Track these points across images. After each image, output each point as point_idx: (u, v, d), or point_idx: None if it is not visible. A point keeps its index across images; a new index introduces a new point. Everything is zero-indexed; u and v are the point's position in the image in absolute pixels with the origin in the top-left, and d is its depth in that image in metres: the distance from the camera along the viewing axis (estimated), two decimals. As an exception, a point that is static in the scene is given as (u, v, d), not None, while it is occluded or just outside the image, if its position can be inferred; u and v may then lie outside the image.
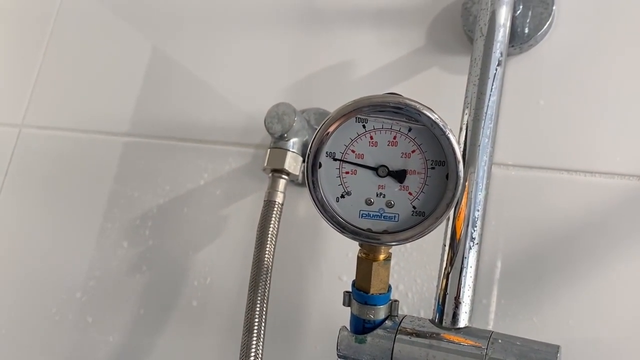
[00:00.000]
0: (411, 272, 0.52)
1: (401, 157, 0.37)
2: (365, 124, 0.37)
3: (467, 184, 0.43)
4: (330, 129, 0.37)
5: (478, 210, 0.42)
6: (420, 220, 0.37)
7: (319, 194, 0.38)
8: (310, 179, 0.38)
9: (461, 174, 0.36)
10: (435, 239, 0.45)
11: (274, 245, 0.50)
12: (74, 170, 0.71)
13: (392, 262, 0.53)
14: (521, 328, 0.48)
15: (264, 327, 0.46)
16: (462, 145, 0.44)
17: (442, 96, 0.56)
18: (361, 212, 0.38)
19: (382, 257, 0.40)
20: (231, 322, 0.58)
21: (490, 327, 0.49)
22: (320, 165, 0.38)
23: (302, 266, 0.57)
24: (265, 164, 0.53)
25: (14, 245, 0.71)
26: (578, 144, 0.50)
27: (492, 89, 0.44)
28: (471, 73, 0.45)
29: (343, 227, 0.38)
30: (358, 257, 0.41)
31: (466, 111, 0.44)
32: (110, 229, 0.67)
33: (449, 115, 0.47)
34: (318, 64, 0.63)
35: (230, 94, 0.66)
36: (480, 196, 0.43)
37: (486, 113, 0.44)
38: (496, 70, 0.44)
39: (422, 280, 0.52)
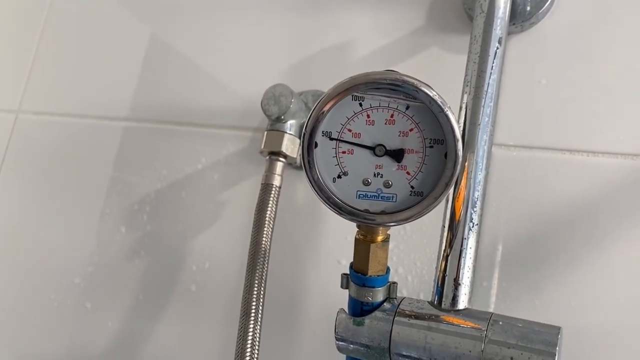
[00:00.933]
0: (411, 255, 0.52)
1: (399, 135, 0.36)
2: (362, 102, 0.36)
3: (466, 164, 0.42)
4: (326, 107, 0.36)
5: (478, 191, 0.42)
6: (419, 200, 0.37)
7: (315, 174, 0.37)
8: (306, 158, 0.37)
9: (460, 152, 0.35)
10: (435, 221, 0.45)
11: (272, 228, 0.49)
12: (71, 156, 0.71)
13: (392, 245, 0.53)
14: (522, 310, 0.48)
15: (262, 310, 0.46)
16: (461, 125, 0.43)
17: (442, 76, 0.54)
18: (358, 193, 0.37)
19: (380, 238, 0.39)
20: (230, 306, 0.57)
21: (491, 310, 0.49)
22: (316, 145, 0.37)
23: (300, 250, 0.56)
24: (262, 147, 0.52)
25: (11, 232, 0.71)
26: (580, 123, 0.50)
27: (492, 67, 0.43)
28: (471, 51, 0.44)
29: (340, 208, 0.37)
30: (356, 238, 0.40)
31: (466, 90, 0.44)
32: (109, 214, 0.66)
33: (450, 96, 0.46)
34: (316, 46, 0.62)
35: (228, 77, 0.65)
36: (480, 176, 0.42)
37: (486, 91, 0.43)
38: (497, 48, 0.43)
39: (421, 263, 0.52)
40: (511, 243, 0.49)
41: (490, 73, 0.43)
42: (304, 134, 0.37)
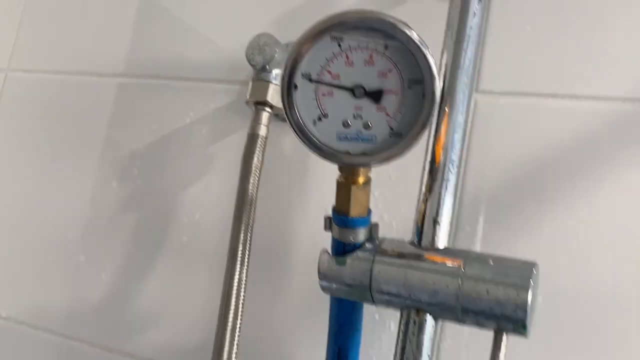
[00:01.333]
0: (395, 202, 0.53)
1: (378, 76, 0.37)
2: (341, 43, 0.37)
3: (447, 107, 0.43)
4: (305, 48, 0.36)
5: (458, 133, 0.42)
6: (398, 141, 0.37)
7: (295, 116, 0.38)
8: (286, 100, 0.37)
9: (437, 92, 0.36)
10: (420, 169, 0.45)
11: (258, 177, 0.50)
12: (61, 113, 0.71)
13: (377, 192, 0.53)
14: (505, 254, 0.49)
15: (248, 254, 0.47)
16: (442, 69, 0.43)
17: (428, 22, 0.54)
18: (338, 135, 0.38)
19: (361, 180, 0.40)
20: (221, 255, 0.58)
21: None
22: (295, 87, 0.37)
23: (289, 200, 0.57)
24: (248, 97, 0.53)
25: (6, 190, 0.72)
26: (564, 69, 0.50)
27: (475, 10, 0.43)
28: (453, -6, 0.44)
29: (321, 150, 0.38)
30: (337, 181, 0.41)
31: (448, 33, 0.44)
32: (99, 169, 0.67)
33: (433, 42, 0.47)
34: (303, -3, 0.62)
35: (215, 31, 0.65)
36: (461, 119, 0.42)
37: (468, 35, 0.43)
38: (478, -10, 0.43)
39: (405, 210, 0.52)
40: (496, 188, 0.50)
41: (473, 16, 0.43)
42: (283, 76, 0.37)
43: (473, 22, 0.43)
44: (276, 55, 0.51)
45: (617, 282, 0.46)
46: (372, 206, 0.53)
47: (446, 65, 0.43)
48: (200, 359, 0.56)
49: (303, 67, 0.37)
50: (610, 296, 0.46)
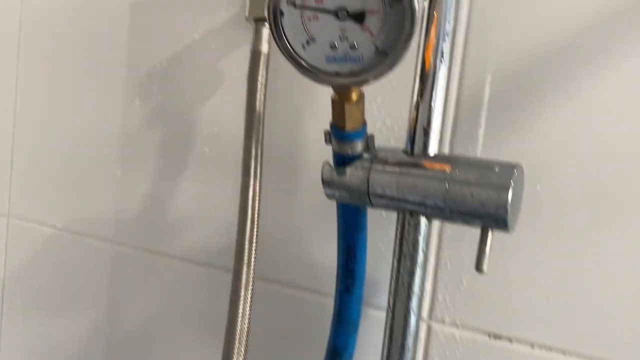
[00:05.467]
0: (397, 107, 0.55)
1: (359, -3, 0.38)
2: (322, -33, 0.38)
3: (435, 14, 0.44)
4: (285, -24, 0.37)
5: (445, 41, 0.43)
6: (383, 59, 0.39)
7: (284, 43, 0.40)
8: (273, 28, 0.39)
9: (416, 7, 0.37)
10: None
11: (264, 93, 0.53)
12: (80, 34, 0.74)
13: (379, 98, 0.56)
14: (504, 154, 0.50)
15: (260, 168, 0.51)
16: (429, -26, 0.44)
17: None
18: (327, 57, 0.40)
19: (354, 97, 0.43)
20: (240, 164, 0.63)
21: (475, 153, 0.52)
22: (282, 14, 0.39)
23: (297, 112, 0.60)
24: (247, 13, 0.54)
25: (40, 111, 0.77)
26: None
27: None
28: None
29: (311, 73, 0.40)
30: (332, 99, 0.43)
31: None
32: (121, 88, 0.71)
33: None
34: None
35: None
36: (449, 28, 0.43)
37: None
38: None
39: (407, 114, 0.55)
40: (495, 88, 0.51)
41: None
42: (268, 4, 0.39)
43: None
44: (271, -31, 0.51)
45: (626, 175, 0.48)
46: (374, 111, 0.56)
47: (433, -29, 0.43)
48: (228, 258, 0.63)
49: (287, -7, 0.38)
50: (609, 193, 0.48)
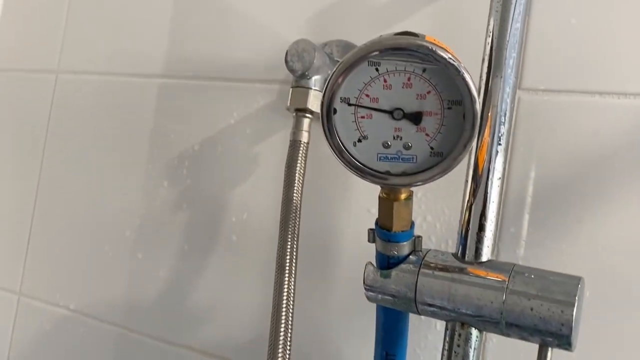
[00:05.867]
0: (439, 204, 0.53)
1: (416, 98, 0.37)
2: (379, 67, 0.37)
3: (489, 115, 0.42)
4: (342, 77, 0.36)
5: (500, 144, 0.42)
6: (439, 161, 0.37)
7: (335, 141, 0.38)
8: (326, 126, 0.38)
9: (478, 113, 0.35)
10: (463, 170, 0.45)
11: (302, 183, 0.51)
12: (111, 114, 0.74)
13: (420, 193, 0.54)
14: (550, 256, 0.49)
15: (295, 263, 0.48)
16: (484, 77, 0.43)
17: (467, 19, 0.53)
18: (379, 155, 0.38)
19: (403, 196, 0.41)
20: (269, 254, 0.60)
21: (519, 255, 0.50)
22: (335, 111, 0.38)
23: (331, 201, 0.58)
24: (289, 104, 0.53)
25: (63, 191, 0.76)
26: (612, 64, 0.48)
27: (514, 15, 0.41)
28: (493, -1, 0.43)
29: (361, 171, 0.38)
30: (379, 197, 0.41)
31: (488, 40, 0.43)
32: (151, 169, 0.69)
33: (475, 41, 0.46)
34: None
35: (253, 29, 0.65)
36: (503, 130, 0.42)
37: (508, 42, 0.42)
38: (519, -6, 0.42)
39: (449, 211, 0.53)
40: (541, 188, 0.50)
41: (512, 21, 0.42)
42: (322, 102, 0.37)
43: (514, 28, 0.42)
44: (315, 61, 0.51)
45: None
46: (415, 206, 0.54)
47: (488, 73, 0.42)
48: (253, 352, 0.59)
49: (342, 92, 0.37)
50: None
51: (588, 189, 0.48)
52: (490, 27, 0.43)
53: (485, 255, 0.42)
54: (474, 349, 0.41)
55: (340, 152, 0.38)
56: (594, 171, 0.48)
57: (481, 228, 0.42)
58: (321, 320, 0.57)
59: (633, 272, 0.46)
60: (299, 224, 0.50)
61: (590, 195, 0.48)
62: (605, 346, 0.46)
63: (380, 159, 0.38)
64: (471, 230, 0.42)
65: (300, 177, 0.51)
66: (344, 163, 0.39)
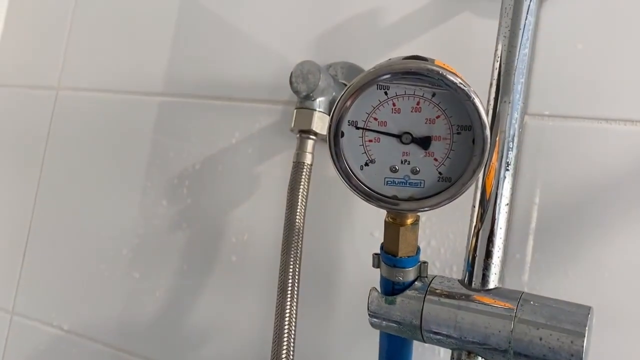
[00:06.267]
0: (444, 228, 0.52)
1: (425, 123, 0.36)
2: (387, 91, 0.36)
3: (497, 139, 0.42)
4: (350, 100, 0.36)
5: (508, 170, 0.41)
6: (447, 187, 0.37)
7: (342, 164, 0.38)
8: (333, 149, 0.37)
9: (488, 139, 0.35)
10: (469, 194, 0.45)
11: (304, 206, 0.51)
12: (110, 131, 0.73)
13: (425, 218, 0.53)
14: (555, 282, 0.48)
15: (297, 287, 0.47)
16: (492, 102, 0.42)
17: (474, 42, 0.53)
18: (386, 180, 0.38)
19: (409, 221, 0.40)
20: (269, 276, 0.60)
21: (524, 281, 0.49)
22: (342, 135, 0.37)
23: (334, 224, 0.57)
24: (293, 125, 0.53)
25: (61, 208, 0.75)
26: (619, 90, 0.48)
27: (522, 41, 0.41)
28: (501, 24, 0.43)
29: (368, 196, 0.38)
30: (385, 221, 0.41)
31: (496, 65, 0.42)
32: (150, 188, 0.69)
33: (482, 63, 0.46)
34: (345, 13, 0.61)
35: (257, 50, 0.65)
36: (511, 155, 0.42)
37: (517, 67, 0.41)
38: (526, 20, 0.42)
39: (454, 236, 0.52)
40: (545, 214, 0.49)
41: (520, 47, 0.41)
42: (330, 125, 0.37)
43: (521, 53, 0.42)
44: (320, 83, 0.51)
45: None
46: (420, 230, 0.53)
47: (496, 98, 0.42)
48: (253, 377, 0.58)
49: (350, 115, 0.37)
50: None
51: (593, 215, 0.48)
52: (499, 53, 0.43)
53: (493, 282, 0.41)
54: (481, 378, 0.40)
55: (347, 176, 0.38)
56: (599, 197, 0.48)
57: (488, 255, 0.41)
58: (323, 345, 0.56)
59: (638, 298, 0.46)
60: (301, 247, 0.49)
61: (596, 221, 0.47)
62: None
63: (387, 183, 0.38)
64: (478, 256, 0.41)
65: (304, 200, 0.50)
66: (351, 187, 0.38)
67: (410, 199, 0.37)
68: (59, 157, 0.77)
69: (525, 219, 0.50)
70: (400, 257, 0.41)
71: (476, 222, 0.42)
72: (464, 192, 0.37)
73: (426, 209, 0.37)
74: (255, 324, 0.59)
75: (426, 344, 0.51)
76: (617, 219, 0.47)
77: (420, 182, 0.37)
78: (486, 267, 0.41)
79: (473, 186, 0.43)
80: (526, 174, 0.50)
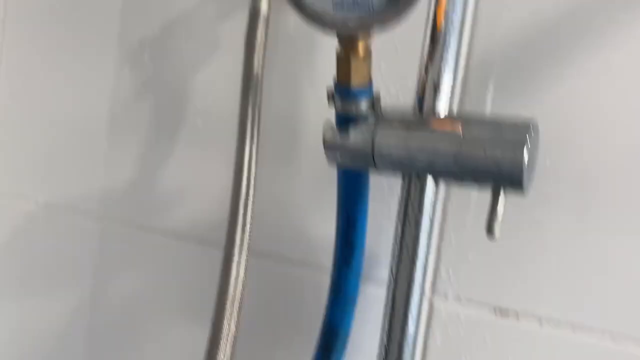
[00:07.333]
0: (402, 74, 0.53)
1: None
2: None
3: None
4: None
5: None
6: (394, 5, 0.37)
7: (291, -10, 0.37)
8: (279, -29, 0.37)
9: (432, -50, 0.35)
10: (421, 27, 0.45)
11: (263, 54, 0.51)
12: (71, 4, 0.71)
13: (384, 65, 0.54)
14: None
15: (257, 130, 0.48)
16: None
17: None
18: (335, 3, 0.38)
19: (361, 52, 0.40)
20: (235, 138, 0.60)
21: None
22: (288, -42, 0.37)
23: (296, 79, 0.57)
24: (247, -28, 0.52)
25: (21, 80, 0.74)
26: None
27: None
28: None
29: (318, 20, 0.38)
30: (337, 54, 0.41)
31: None
32: (111, 57, 0.68)
33: None
34: None
35: None
36: (462, -20, 0.41)
37: None
38: None
39: (413, 82, 0.52)
40: (506, 51, 0.49)
41: None
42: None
43: None
44: None
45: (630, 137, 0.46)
46: (378, 79, 0.53)
47: None
48: (220, 234, 0.60)
49: None
50: (621, 158, 0.46)
51: (555, 50, 0.48)
52: None
53: (443, 109, 0.42)
54: (430, 199, 0.42)
55: (295, 1, 0.38)
56: (561, 30, 0.47)
57: (438, 83, 0.42)
58: (285, 190, 0.58)
59: (598, 142, 0.47)
60: (260, 94, 0.50)
61: (558, 56, 0.48)
62: (559, 216, 0.48)
63: (336, 7, 0.38)
64: (428, 85, 0.42)
65: (261, 48, 0.50)
66: (300, 13, 0.38)
67: (359, 20, 0.38)
68: (21, 39, 0.75)
69: (485, 56, 0.49)
70: (353, 88, 0.41)
71: (427, 55, 0.43)
72: (411, 10, 0.37)
73: (376, 29, 0.38)
74: (224, 182, 0.61)
75: (386, 188, 0.53)
76: (578, 51, 0.47)
77: (369, 3, 0.37)
78: (435, 95, 0.42)
79: (427, 22, 0.43)
80: (486, 10, 0.49)
